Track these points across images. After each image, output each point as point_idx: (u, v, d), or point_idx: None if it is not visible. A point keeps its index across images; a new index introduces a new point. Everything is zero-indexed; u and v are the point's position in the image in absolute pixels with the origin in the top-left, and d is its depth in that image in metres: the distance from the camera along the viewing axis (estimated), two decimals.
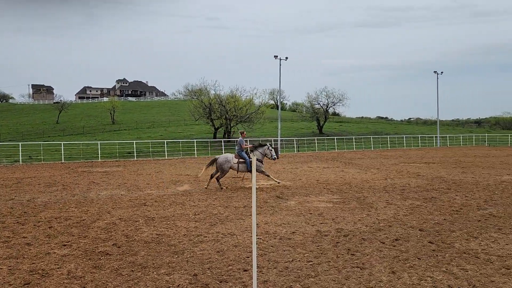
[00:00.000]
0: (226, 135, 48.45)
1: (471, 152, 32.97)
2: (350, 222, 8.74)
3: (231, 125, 48.47)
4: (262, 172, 14.05)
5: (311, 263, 6.14)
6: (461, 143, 46.92)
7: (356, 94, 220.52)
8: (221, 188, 13.54)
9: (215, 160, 14.04)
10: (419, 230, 8.01)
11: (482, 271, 5.77)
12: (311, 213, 9.62)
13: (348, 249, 6.81)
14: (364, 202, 11.00)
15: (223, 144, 35.11)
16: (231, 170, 14.54)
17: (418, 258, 6.34)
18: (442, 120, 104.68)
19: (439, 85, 64.33)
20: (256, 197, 11.53)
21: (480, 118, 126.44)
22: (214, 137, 47.72)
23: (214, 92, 49.98)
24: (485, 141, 47.38)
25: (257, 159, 13.83)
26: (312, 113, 63.41)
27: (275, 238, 7.46)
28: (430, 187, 13.71)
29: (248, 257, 6.36)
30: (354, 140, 41.32)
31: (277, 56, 41.36)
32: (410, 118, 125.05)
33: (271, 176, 14.66)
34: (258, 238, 7.42)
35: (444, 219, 8.98)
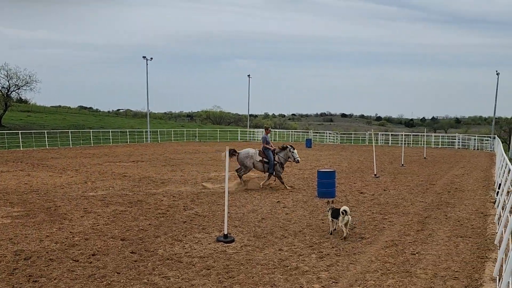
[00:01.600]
0: None
1: (182, 148, 36.80)
2: (34, 240, 8.24)
3: None
4: (279, 177, 15.12)
5: None
6: (172, 138, 51.76)
7: (52, 77, 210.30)
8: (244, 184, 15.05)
9: (235, 153, 14.80)
10: (121, 239, 8.35)
11: (184, 276, 6.52)
12: None
13: (30, 276, 6.40)
14: (56, 213, 10.60)
15: None
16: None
17: (117, 273, 6.58)
18: (154, 113, 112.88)
19: (151, 73, 68.36)
20: None
21: (193, 111, 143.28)
22: None
23: None
24: (195, 137, 53.85)
25: (280, 163, 15.07)
26: None
27: None
28: (137, 189, 14.50)
29: None
30: (46, 135, 39.12)
31: None
32: (119, 109, 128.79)
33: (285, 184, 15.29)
34: None
35: (150, 224, 9.68)
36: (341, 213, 8.66)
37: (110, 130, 48.13)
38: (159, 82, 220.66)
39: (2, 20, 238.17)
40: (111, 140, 44.33)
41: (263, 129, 15.93)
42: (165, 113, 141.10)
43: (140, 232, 8.95)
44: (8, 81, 57.63)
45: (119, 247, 7.87)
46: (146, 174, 18.33)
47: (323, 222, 9.92)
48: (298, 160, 15.12)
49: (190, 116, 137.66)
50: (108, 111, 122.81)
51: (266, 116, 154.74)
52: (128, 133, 48.19)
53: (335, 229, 9.06)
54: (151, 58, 51.36)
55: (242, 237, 8.72)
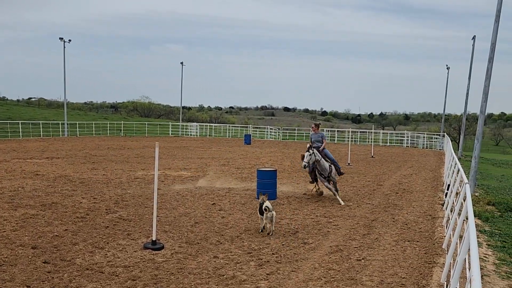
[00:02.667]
0: None
1: (104, 144, 35.92)
2: None
3: None
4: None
5: None
6: (94, 132, 50.42)
7: None
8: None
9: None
10: (32, 248, 8.05)
11: None
12: None
13: None
14: None
15: None
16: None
17: (27, 286, 6.35)
18: (73, 103, 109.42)
19: (69, 57, 66.24)
20: None
21: (117, 102, 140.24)
22: None
23: None
24: (121, 130, 52.75)
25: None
26: None
27: None
28: (51, 189, 14.01)
29: None
30: None
31: None
32: (30, 98, 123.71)
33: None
34: None
35: (66, 229, 9.39)
36: (263, 209, 9.35)
37: (20, 121, 46.14)
38: (79, 68, 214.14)
39: None
40: (21, 134, 42.54)
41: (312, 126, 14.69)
42: (85, 103, 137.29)
43: (54, 239, 8.66)
44: None
45: (30, 257, 7.59)
46: (62, 173, 17.75)
47: (262, 231, 10.03)
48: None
49: (115, 107, 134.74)
50: (18, 100, 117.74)
51: (200, 108, 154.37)
52: (41, 126, 46.42)
53: (262, 229, 9.65)
54: (69, 41, 49.71)
55: (172, 243, 8.65)
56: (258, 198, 10.30)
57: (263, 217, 9.46)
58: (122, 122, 56.39)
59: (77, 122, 51.79)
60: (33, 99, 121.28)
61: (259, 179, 13.57)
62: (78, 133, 48.53)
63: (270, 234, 9.35)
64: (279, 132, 53.06)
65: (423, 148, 42.31)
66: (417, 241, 9.27)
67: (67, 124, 48.41)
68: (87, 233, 9.20)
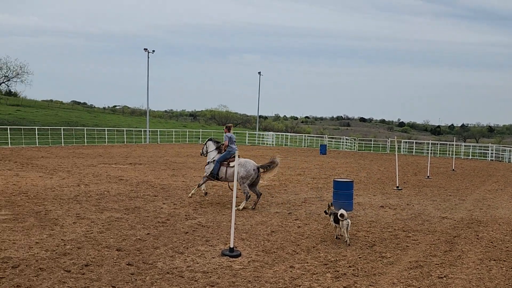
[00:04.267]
0: None
1: (184, 151, 36.92)
2: (23, 247, 8.30)
3: None
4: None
5: None
6: (174, 139, 51.96)
7: (44, 69, 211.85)
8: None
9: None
10: (117, 250, 8.39)
11: None
12: None
13: (18, 286, 6.45)
14: (46, 218, 10.67)
15: None
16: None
17: (112, 286, 6.61)
18: (154, 111, 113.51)
19: (151, 67, 68.79)
20: None
21: (196, 110, 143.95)
22: None
23: None
24: (199, 139, 54.01)
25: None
26: None
27: None
28: (134, 194, 14.56)
29: None
30: (37, 131, 39.46)
31: None
32: (115, 106, 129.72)
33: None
34: None
35: (148, 233, 9.72)
36: (339, 217, 9.46)
37: (106, 128, 48.43)
38: (160, 77, 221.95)
39: None
40: (106, 140, 44.60)
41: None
42: (165, 111, 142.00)
43: (137, 242, 8.99)
44: None
45: (115, 258, 7.91)
46: (144, 178, 18.41)
47: (339, 238, 9.90)
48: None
49: (193, 116, 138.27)
50: (104, 108, 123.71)
51: (276, 118, 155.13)
52: (125, 132, 48.44)
53: (338, 236, 9.87)
54: (153, 51, 51.66)
55: (249, 251, 8.73)
56: (327, 213, 10.34)
57: (339, 225, 9.58)
58: (201, 130, 57.76)
59: (158, 129, 53.53)
60: (117, 107, 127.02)
61: (335, 189, 13.43)
62: (159, 140, 50.17)
63: (348, 243, 9.39)
64: (354, 143, 52.28)
65: (509, 162, 40.14)
66: (504, 261, 8.79)
67: (149, 132, 50.19)
68: (168, 237, 9.47)
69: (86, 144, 41.03)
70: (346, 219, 9.39)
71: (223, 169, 13.78)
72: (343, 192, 13.28)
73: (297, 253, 8.75)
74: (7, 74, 58.63)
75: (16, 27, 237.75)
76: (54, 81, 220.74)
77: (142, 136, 49.80)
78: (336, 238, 9.79)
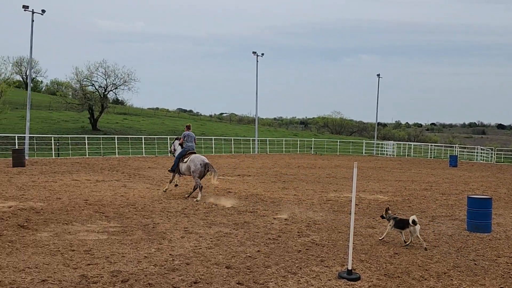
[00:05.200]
0: None
1: (295, 162, 37.20)
2: (132, 260, 8.79)
3: None
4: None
5: None
6: (284, 149, 52.51)
7: (150, 75, 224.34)
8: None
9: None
10: (226, 267, 8.61)
11: None
12: (73, 250, 9.34)
13: None
14: (154, 232, 11.24)
15: None
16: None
17: None
18: (262, 119, 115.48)
19: (261, 71, 69.95)
20: None
21: (307, 118, 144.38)
22: None
23: None
24: (311, 148, 54.11)
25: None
26: (83, 99, 61.54)
27: None
28: (243, 208, 14.89)
29: None
30: (143, 141, 41.80)
31: (27, 7, 38.66)
32: (222, 114, 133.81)
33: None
34: None
35: (258, 250, 9.88)
36: (411, 223, 10.36)
37: (213, 137, 50.04)
38: (268, 82, 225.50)
39: (97, 12, 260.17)
40: (213, 149, 46.09)
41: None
42: (274, 119, 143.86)
43: (247, 260, 9.17)
44: (106, 80, 62.55)
45: (224, 276, 8.13)
46: (253, 191, 18.77)
47: (475, 263, 9.41)
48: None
49: (304, 123, 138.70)
50: (210, 115, 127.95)
51: (397, 125, 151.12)
52: (232, 142, 49.72)
53: (406, 242, 10.74)
54: (262, 54, 52.64)
55: (370, 274, 8.56)
56: (384, 217, 11.13)
57: (410, 230, 10.49)
58: (313, 139, 57.83)
59: (267, 138, 54.39)
60: (224, 115, 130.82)
61: (470, 207, 12.77)
62: (268, 150, 50.90)
63: (424, 247, 10.39)
64: (491, 153, 49.44)
65: None
66: None
67: (258, 141, 51.08)
68: (279, 256, 9.56)
69: None
70: (417, 225, 10.35)
71: (181, 164, 17.23)
72: (480, 211, 12.60)
73: (426, 279, 8.43)
74: (115, 82, 62.53)
75: (122, 33, 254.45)
76: (160, 88, 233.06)
77: (251, 146, 50.84)
78: (405, 244, 10.67)
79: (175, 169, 17.50)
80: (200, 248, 9.89)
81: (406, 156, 51.48)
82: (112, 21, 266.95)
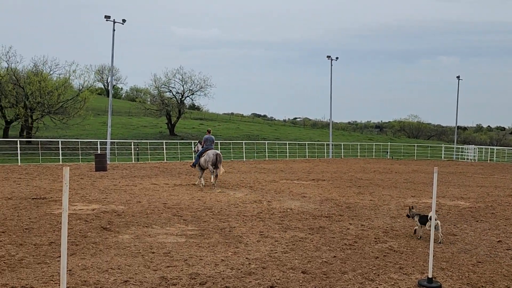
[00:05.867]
0: (25, 133, 45.31)
1: (370, 167, 36.63)
2: (209, 263, 8.93)
3: (34, 117, 45.57)
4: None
5: None
6: (359, 154, 51.83)
7: (224, 81, 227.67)
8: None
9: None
10: (302, 272, 8.58)
11: None
12: (153, 252, 9.60)
13: None
14: (230, 235, 11.37)
15: (18, 146, 32.73)
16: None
17: None
18: (337, 123, 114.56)
19: (334, 75, 69.49)
20: (71, 228, 11.06)
21: (383, 121, 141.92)
22: (5, 136, 44.33)
23: (6, 66, 46.48)
24: (387, 153, 53.11)
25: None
26: (161, 105, 63.39)
27: None
28: (318, 213, 14.81)
29: None
30: (220, 146, 42.46)
31: (109, 17, 40.30)
32: (296, 118, 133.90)
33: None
34: None
35: (335, 256, 9.79)
36: (429, 218, 11.15)
37: (287, 142, 50.15)
38: (342, 85, 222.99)
39: (174, 20, 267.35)
40: (287, 154, 46.17)
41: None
42: (349, 123, 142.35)
43: (323, 265, 9.10)
44: (183, 86, 64.12)
45: (300, 281, 8.10)
46: (328, 196, 18.63)
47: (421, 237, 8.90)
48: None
49: (380, 127, 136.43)
50: (284, 120, 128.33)
51: (478, 129, 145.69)
52: (307, 146, 49.65)
53: (419, 237, 11.71)
54: (337, 58, 52.37)
55: (451, 283, 8.28)
56: (409, 216, 12.17)
57: (426, 225, 11.40)
58: (389, 143, 56.77)
59: (342, 143, 53.88)
60: (298, 119, 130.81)
61: None
62: (342, 154, 50.44)
63: (440, 241, 11.16)
64: None
65: None
66: None
67: (332, 145, 50.74)
68: (356, 262, 9.43)
69: (267, 158, 42.93)
70: (436, 220, 10.93)
71: (201, 159, 21.06)
72: None
73: None
74: (192, 88, 64.09)
75: (198, 40, 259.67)
76: (235, 93, 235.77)
77: (325, 150, 50.56)
78: (419, 238, 11.64)
79: (196, 164, 21.69)
80: (276, 252, 9.91)
81: (488, 161, 49.52)
82: (189, 29, 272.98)
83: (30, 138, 43.83)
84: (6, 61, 46.87)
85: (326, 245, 10.69)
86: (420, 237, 11.61)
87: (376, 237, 11.67)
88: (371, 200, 18.00)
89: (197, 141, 24.03)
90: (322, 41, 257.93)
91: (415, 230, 11.92)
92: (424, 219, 11.55)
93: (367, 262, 9.46)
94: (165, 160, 38.20)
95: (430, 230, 10.06)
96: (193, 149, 24.11)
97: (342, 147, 52.03)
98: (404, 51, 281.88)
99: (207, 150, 21.02)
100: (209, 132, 22.29)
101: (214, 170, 20.36)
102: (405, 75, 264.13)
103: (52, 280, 7.66)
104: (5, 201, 15.46)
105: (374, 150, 53.60)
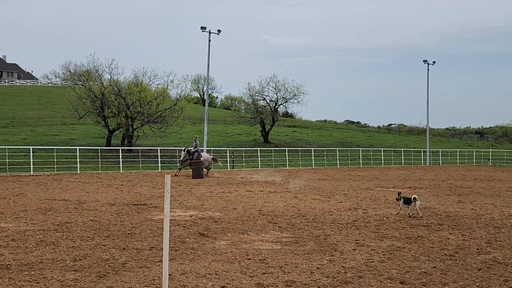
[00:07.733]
0: (126, 142, 47.43)
1: (470, 174, 35.11)
2: (305, 271, 8.90)
3: (134, 126, 47.63)
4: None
5: None
6: (458, 161, 49.84)
7: (317, 88, 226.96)
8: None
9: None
10: (400, 282, 8.35)
11: None
12: (249, 259, 9.69)
13: None
14: (325, 243, 11.28)
15: (120, 154, 34.35)
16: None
17: None
18: (434, 129, 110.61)
19: (430, 79, 67.49)
20: (170, 234, 11.42)
21: (483, 127, 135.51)
22: (108, 144, 46.61)
23: (109, 77, 48.93)
24: (488, 159, 50.67)
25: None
26: (255, 113, 64.14)
27: None
28: (415, 221, 14.37)
29: None
30: (313, 153, 42.35)
31: (205, 28, 41.46)
32: (390, 125, 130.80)
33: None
34: None
35: (434, 266, 9.44)
36: (413, 200, 14.79)
37: (382, 149, 49.17)
38: (439, 90, 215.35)
39: (268, 29, 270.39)
40: (382, 161, 45.27)
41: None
42: (446, 129, 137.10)
43: (422, 276, 8.81)
44: (276, 94, 64.65)
45: None
46: (426, 204, 18.03)
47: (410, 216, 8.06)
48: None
49: (480, 133, 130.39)
50: (378, 126, 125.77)
51: None
52: (402, 153, 48.44)
53: (410, 215, 15.10)
54: (433, 62, 50.86)
55: None
56: (398, 199, 15.39)
57: (412, 205, 14.91)
58: (490, 149, 54.21)
59: (439, 149, 52.09)
60: (393, 126, 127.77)
61: None
62: (440, 161, 48.76)
63: (420, 216, 14.83)
64: None
65: None
66: None
67: (429, 152, 49.19)
68: (458, 273, 9.04)
69: (361, 165, 42.30)
70: (418, 201, 14.87)
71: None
72: None
73: None
74: (285, 96, 64.46)
75: (291, 48, 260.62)
76: (327, 100, 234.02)
77: (422, 157, 49.13)
78: (409, 216, 14.98)
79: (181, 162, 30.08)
80: (373, 262, 9.72)
81: None
82: (282, 37, 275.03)
83: (131, 146, 45.67)
84: (109, 73, 49.39)
85: (425, 255, 10.35)
86: (398, 213, 15.32)
87: (478, 248, 11.15)
88: (472, 209, 17.24)
89: (187, 147, 31.83)
90: (415, 46, 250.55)
91: (399, 210, 15.42)
92: (407, 201, 14.93)
93: (469, 273, 9.05)
94: (259, 168, 38.64)
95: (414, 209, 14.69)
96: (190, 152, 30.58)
97: (440, 153, 50.25)
98: (504, 54, 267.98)
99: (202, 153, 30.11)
100: (196, 139, 30.96)
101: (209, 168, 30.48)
102: (507, 79, 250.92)
103: (153, 284, 7.94)
104: (109, 207, 16.25)
105: (474, 157, 51.35)
